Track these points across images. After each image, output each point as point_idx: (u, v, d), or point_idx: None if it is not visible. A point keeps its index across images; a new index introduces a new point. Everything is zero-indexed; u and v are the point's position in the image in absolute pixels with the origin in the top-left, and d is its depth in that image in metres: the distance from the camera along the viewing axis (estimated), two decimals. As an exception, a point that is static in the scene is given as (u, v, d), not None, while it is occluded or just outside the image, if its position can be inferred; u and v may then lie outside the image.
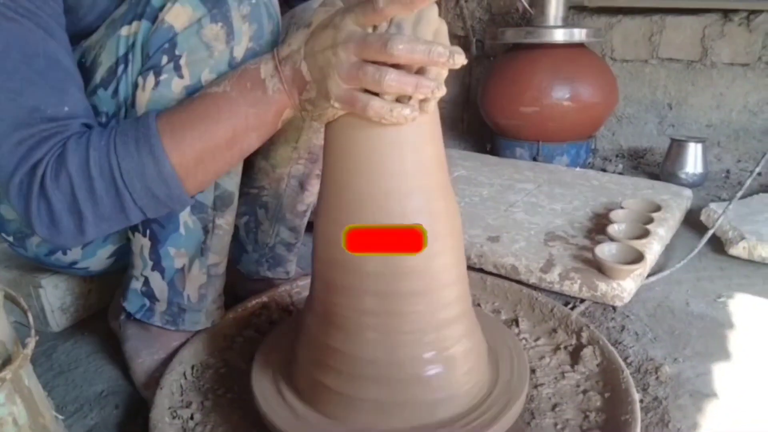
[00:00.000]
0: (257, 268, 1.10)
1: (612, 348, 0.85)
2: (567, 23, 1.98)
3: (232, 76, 0.64)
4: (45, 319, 1.03)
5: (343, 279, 0.67)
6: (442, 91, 0.57)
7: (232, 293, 1.10)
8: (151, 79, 0.69)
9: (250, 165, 1.01)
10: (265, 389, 0.75)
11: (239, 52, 0.69)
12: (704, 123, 2.05)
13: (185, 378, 0.85)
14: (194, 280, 0.86)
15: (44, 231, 0.65)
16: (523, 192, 1.56)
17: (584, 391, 0.81)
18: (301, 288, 1.08)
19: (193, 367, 0.87)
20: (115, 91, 0.73)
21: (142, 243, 0.82)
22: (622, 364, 0.81)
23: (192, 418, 0.77)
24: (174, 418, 0.77)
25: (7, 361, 0.58)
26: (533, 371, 0.86)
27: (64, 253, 0.87)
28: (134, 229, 0.82)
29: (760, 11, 1.84)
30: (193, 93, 0.69)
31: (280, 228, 1.07)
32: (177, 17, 0.67)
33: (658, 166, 1.86)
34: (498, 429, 0.68)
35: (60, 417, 0.69)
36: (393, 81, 0.55)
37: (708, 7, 1.92)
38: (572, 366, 0.87)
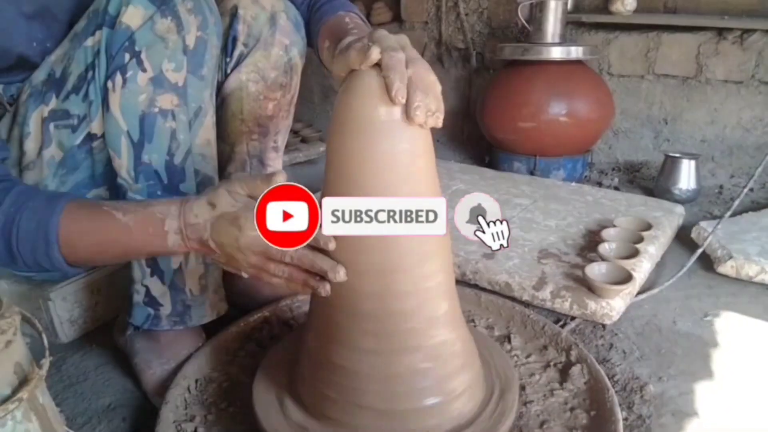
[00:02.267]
0: None
1: (599, 367, 0.89)
2: (564, 39, 2.01)
3: (137, 213, 0.71)
4: (54, 330, 1.07)
5: (341, 298, 0.71)
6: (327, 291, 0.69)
7: (232, 301, 1.14)
8: (119, 79, 0.77)
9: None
10: (266, 405, 0.79)
11: (191, 41, 0.79)
12: (699, 138, 2.09)
13: (189, 392, 0.88)
14: (193, 272, 0.91)
15: None
16: (519, 207, 1.59)
17: (571, 409, 0.84)
18: (301, 302, 1.11)
19: (197, 381, 0.91)
20: (86, 95, 0.81)
21: None
22: (608, 383, 0.85)
23: (196, 431, 0.81)
24: (179, 431, 0.80)
25: (24, 381, 0.62)
26: (523, 388, 0.89)
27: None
28: None
29: (754, 30, 1.87)
30: (157, 84, 0.78)
31: None
32: (132, 18, 0.76)
33: (653, 180, 1.89)
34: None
35: None
36: (290, 275, 0.70)
37: (703, 25, 1.95)
38: (561, 384, 0.90)
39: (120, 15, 0.76)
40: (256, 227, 0.63)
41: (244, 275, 0.72)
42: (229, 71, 0.99)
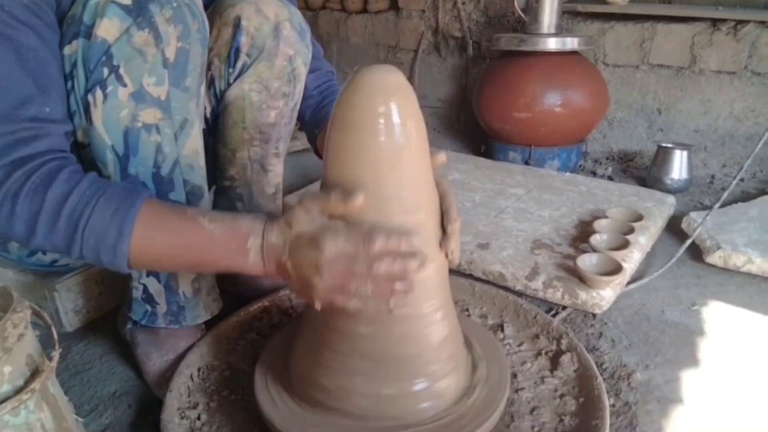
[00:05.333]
0: None
1: (588, 356, 0.92)
2: (561, 29, 2.03)
3: (224, 222, 0.69)
4: (59, 319, 1.10)
5: None
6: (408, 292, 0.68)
7: (233, 291, 1.17)
8: (99, 94, 0.75)
9: (215, 156, 1.08)
10: (266, 391, 0.82)
11: (171, 53, 0.76)
12: (692, 128, 2.11)
13: (192, 380, 0.91)
14: (186, 276, 0.92)
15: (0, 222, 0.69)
16: (514, 197, 1.62)
17: (561, 396, 0.88)
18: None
19: (199, 370, 0.94)
20: (68, 105, 0.79)
21: None
22: (597, 371, 0.88)
23: (199, 418, 0.84)
24: (182, 418, 0.84)
25: (35, 372, 0.64)
26: (515, 376, 0.93)
27: (44, 253, 0.95)
28: None
29: (747, 21, 1.89)
30: (138, 99, 0.76)
31: None
32: (107, 31, 0.73)
33: (647, 169, 1.92)
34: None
35: (80, 419, 0.76)
36: (375, 290, 0.66)
37: (697, 16, 1.97)
38: (551, 371, 0.93)
39: (95, 27, 0.73)
40: (337, 248, 0.64)
41: (317, 306, 0.68)
42: (231, 80, 0.99)
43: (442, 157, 0.78)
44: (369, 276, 0.65)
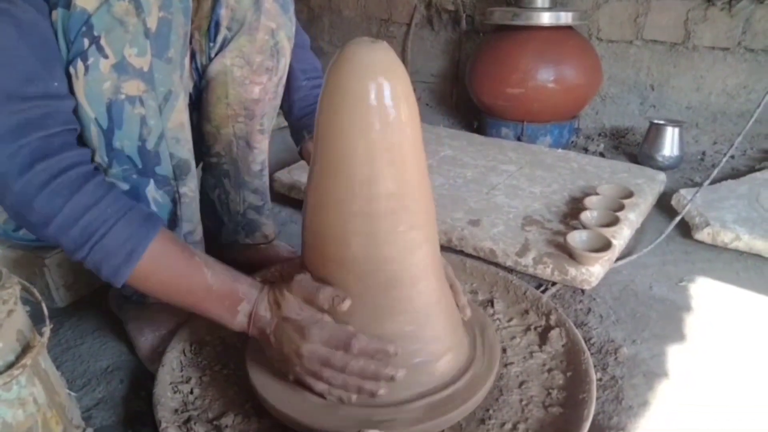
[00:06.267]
0: (236, 237, 1.19)
1: (576, 331, 0.93)
2: (555, 3, 2.01)
3: (224, 281, 0.75)
4: (49, 295, 1.09)
5: (333, 251, 0.75)
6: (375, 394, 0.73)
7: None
8: (80, 66, 0.73)
9: (200, 132, 1.07)
10: (257, 366, 0.83)
11: (152, 23, 0.74)
12: (684, 105, 2.11)
13: (184, 355, 0.92)
14: None
15: (10, 204, 0.69)
16: (506, 174, 1.62)
17: (549, 370, 0.89)
18: (291, 268, 1.14)
19: (191, 345, 0.94)
20: None
21: None
22: (584, 346, 0.89)
23: (192, 392, 0.85)
24: (175, 392, 0.84)
25: (26, 347, 0.65)
26: (504, 350, 0.94)
27: None
28: None
29: (742, -3, 1.88)
30: (120, 70, 0.74)
31: (245, 193, 1.15)
32: (87, 0, 0.70)
33: (638, 146, 1.92)
34: (470, 406, 0.77)
35: (73, 394, 0.77)
36: (344, 383, 0.73)
37: (693, -9, 1.96)
38: (540, 346, 0.95)
39: None
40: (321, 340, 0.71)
41: (289, 377, 0.76)
42: (213, 55, 0.98)
43: (467, 312, 0.88)
44: (343, 370, 0.72)
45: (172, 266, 0.73)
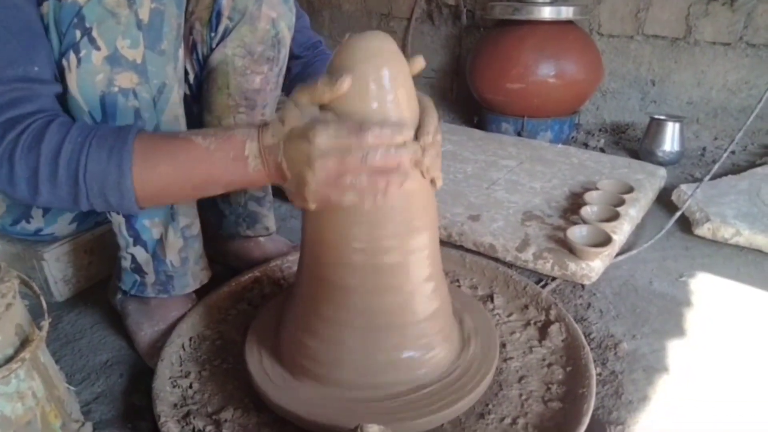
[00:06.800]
0: (237, 229, 1.19)
1: (576, 326, 0.93)
2: (555, -2, 2.00)
3: (218, 136, 0.67)
4: (48, 289, 1.09)
5: (331, 256, 0.74)
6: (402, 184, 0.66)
7: (225, 262, 1.17)
8: (73, 59, 0.72)
9: (201, 123, 1.06)
10: (256, 361, 0.83)
11: (144, 14, 0.73)
12: (685, 100, 2.10)
13: (184, 350, 0.92)
14: (172, 245, 0.92)
15: (1, 185, 0.68)
16: (506, 169, 1.62)
17: (549, 365, 0.89)
18: (291, 263, 1.14)
19: (191, 339, 0.94)
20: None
21: (118, 221, 0.89)
22: (584, 341, 0.89)
23: (191, 386, 0.85)
24: (174, 387, 0.84)
25: (25, 341, 0.65)
26: (504, 345, 0.94)
27: (28, 222, 0.94)
28: None
29: (744, -9, 1.87)
30: (113, 62, 0.73)
31: None
32: None
33: (639, 141, 1.92)
34: (468, 401, 0.77)
35: (72, 388, 0.77)
36: (370, 181, 0.64)
37: (694, -14, 1.95)
38: (540, 341, 0.94)
39: None
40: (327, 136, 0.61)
41: (311, 207, 0.66)
42: (214, 45, 0.97)
43: (420, 62, 0.71)
44: (362, 168, 0.62)
45: (163, 154, 0.68)
